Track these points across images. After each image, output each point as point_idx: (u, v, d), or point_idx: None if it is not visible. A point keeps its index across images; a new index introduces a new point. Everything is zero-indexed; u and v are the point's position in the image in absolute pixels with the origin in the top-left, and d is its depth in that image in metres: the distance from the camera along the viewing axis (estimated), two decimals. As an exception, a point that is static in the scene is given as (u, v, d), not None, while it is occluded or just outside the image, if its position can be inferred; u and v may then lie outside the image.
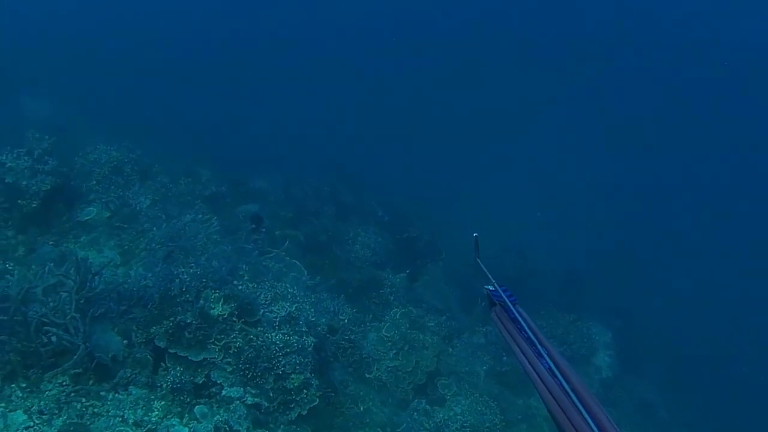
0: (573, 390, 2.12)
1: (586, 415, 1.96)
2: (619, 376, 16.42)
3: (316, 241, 14.73)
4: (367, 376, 12.00)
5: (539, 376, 2.26)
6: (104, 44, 29.07)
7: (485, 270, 2.95)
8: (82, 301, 9.36)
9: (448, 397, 12.46)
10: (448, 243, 17.16)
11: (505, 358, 14.13)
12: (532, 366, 2.35)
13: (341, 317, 12.36)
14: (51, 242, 12.10)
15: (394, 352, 12.44)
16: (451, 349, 13.47)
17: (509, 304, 2.66)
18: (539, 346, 2.38)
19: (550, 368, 2.26)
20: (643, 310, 20.78)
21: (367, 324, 13.01)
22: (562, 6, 43.68)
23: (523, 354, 2.42)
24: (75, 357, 8.55)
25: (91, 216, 12.88)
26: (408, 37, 43.20)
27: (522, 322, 2.52)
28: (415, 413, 11.90)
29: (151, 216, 13.32)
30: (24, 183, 12.33)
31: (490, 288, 2.88)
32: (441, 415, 12.02)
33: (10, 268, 11.13)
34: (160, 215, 13.35)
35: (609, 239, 25.88)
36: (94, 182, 13.70)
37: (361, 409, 11.10)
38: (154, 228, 12.62)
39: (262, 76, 33.48)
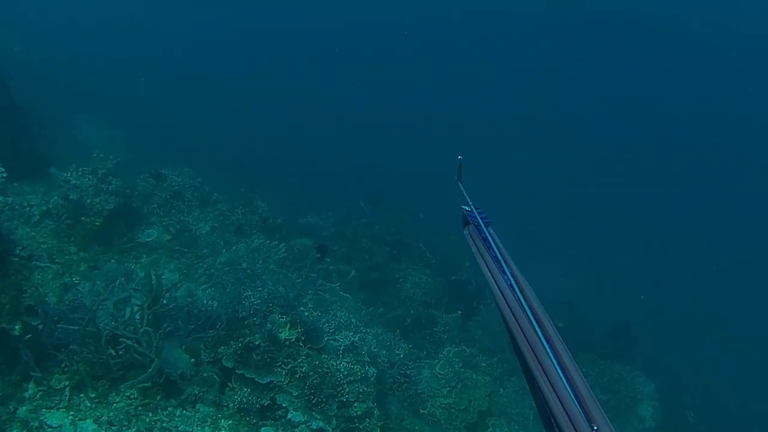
0: (527, 302, 2.42)
1: (535, 324, 2.28)
2: (662, 428, 16.22)
3: (369, 278, 14.83)
4: (422, 411, 11.95)
5: (500, 289, 2.55)
6: (165, 72, 29.75)
7: (464, 193, 3.21)
8: (151, 317, 9.43)
9: (499, 438, 12.39)
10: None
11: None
12: (495, 280, 2.63)
13: (397, 352, 12.37)
14: (113, 260, 12.22)
15: (447, 389, 12.39)
16: (502, 390, 13.41)
17: (482, 224, 2.95)
18: (503, 264, 2.66)
19: (510, 284, 2.55)
20: (689, 363, 20.55)
21: (422, 360, 13.00)
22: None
23: (488, 268, 2.71)
24: (149, 370, 8.58)
25: (152, 238, 13.03)
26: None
27: (491, 242, 2.82)
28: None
29: (210, 242, 13.46)
30: (88, 201, 12.51)
31: (467, 209, 3.13)
32: (492, 455, 11.99)
33: (76, 281, 11.25)
34: (218, 242, 13.49)
35: (658, 292, 25.62)
36: (155, 205, 13.89)
37: (416, 443, 11.04)
38: (224, 251, 12.74)
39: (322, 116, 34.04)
